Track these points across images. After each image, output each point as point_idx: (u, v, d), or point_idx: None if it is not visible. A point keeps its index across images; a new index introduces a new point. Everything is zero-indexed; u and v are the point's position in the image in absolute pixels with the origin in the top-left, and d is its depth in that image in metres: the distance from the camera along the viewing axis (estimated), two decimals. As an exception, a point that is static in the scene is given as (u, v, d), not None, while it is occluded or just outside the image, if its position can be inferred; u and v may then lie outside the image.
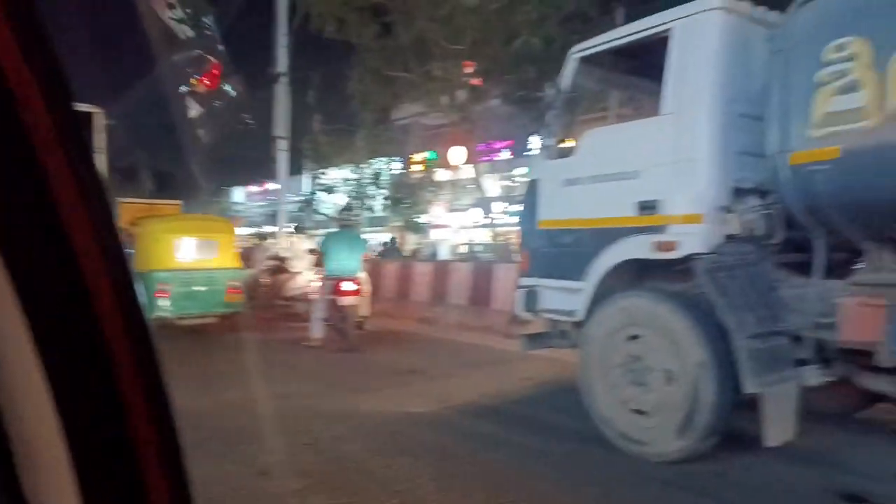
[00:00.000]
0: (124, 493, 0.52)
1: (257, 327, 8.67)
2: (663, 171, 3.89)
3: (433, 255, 22.87)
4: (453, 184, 24.73)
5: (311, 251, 9.64)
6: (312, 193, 23.41)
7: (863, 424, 4.47)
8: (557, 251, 4.64)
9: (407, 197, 24.80)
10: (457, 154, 24.62)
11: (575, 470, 3.60)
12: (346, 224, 8.19)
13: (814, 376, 3.68)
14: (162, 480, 0.52)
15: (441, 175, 24.92)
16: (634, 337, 3.86)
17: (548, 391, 5.50)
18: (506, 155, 25.43)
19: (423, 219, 24.62)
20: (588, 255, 4.32)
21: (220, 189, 36.09)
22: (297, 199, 23.40)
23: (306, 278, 9.32)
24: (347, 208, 9.97)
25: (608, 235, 4.22)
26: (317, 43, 14.13)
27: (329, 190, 22.46)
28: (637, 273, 4.28)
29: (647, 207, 3.99)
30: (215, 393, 4.87)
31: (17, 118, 0.48)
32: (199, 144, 12.93)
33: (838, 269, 3.74)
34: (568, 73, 4.64)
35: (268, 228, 26.56)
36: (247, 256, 10.79)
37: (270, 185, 36.46)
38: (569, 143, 4.78)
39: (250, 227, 27.95)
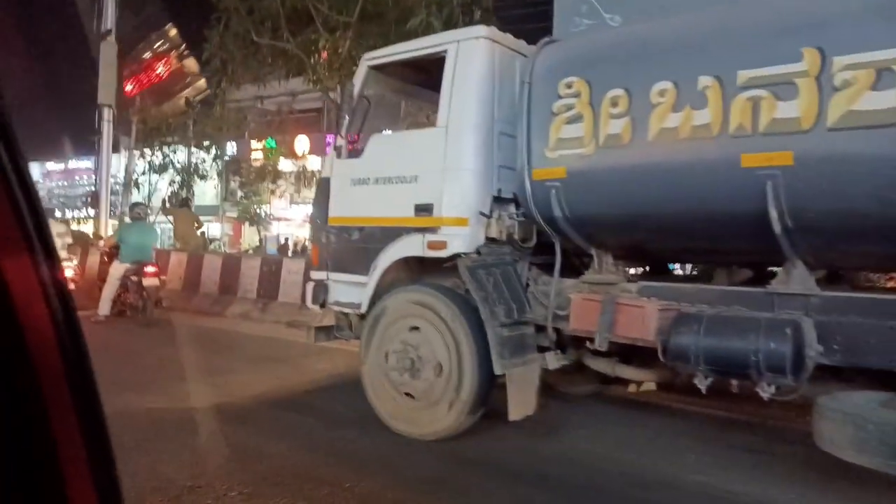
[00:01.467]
0: None
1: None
2: (437, 177, 4.31)
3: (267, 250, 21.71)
4: (299, 175, 23.41)
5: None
6: (143, 173, 21.21)
7: (596, 399, 5.35)
8: (345, 247, 4.89)
9: (245, 185, 23.38)
10: (301, 143, 23.96)
11: (356, 452, 3.89)
12: (139, 216, 9.46)
13: (553, 360, 4.33)
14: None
15: (284, 165, 23.61)
16: (414, 328, 4.24)
17: (330, 382, 5.77)
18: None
19: (263, 210, 23.49)
20: (372, 251, 4.63)
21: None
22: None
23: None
24: (138, 204, 10.44)
25: (390, 234, 4.56)
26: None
27: (163, 169, 20.48)
28: (418, 269, 4.68)
29: (422, 209, 4.39)
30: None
31: None
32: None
33: (577, 270, 4.46)
34: (359, 77, 4.90)
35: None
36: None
37: (75, 164, 32.42)
38: (359, 145, 5.05)
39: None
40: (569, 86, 3.70)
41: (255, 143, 24.61)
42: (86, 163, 30.79)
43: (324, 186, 5.16)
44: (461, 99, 4.25)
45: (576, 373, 5.05)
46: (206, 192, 26.93)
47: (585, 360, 4.45)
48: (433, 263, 4.53)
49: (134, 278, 8.57)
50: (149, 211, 11.00)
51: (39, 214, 0.51)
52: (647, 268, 5.06)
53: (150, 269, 8.60)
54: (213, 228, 26.13)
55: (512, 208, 4.43)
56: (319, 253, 5.13)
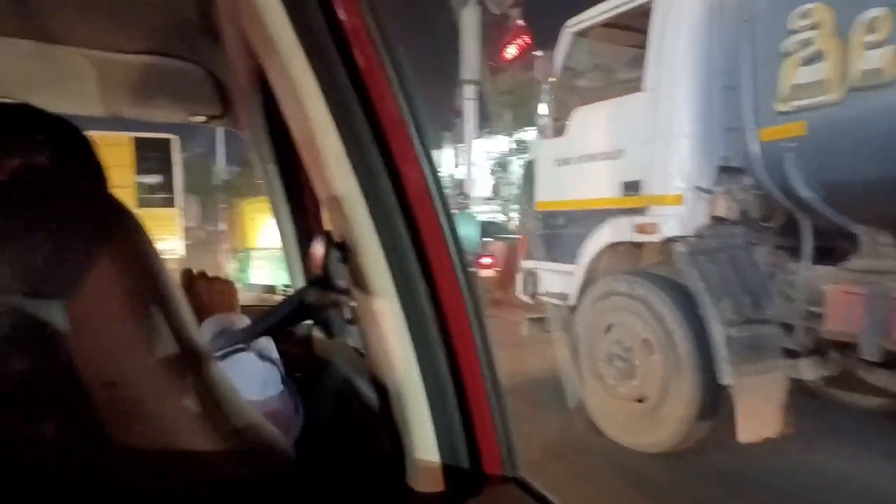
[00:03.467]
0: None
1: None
2: (645, 149, 3.71)
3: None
4: None
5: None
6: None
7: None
8: (551, 233, 4.55)
9: None
10: None
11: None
12: (461, 206, 9.17)
13: (809, 369, 3.43)
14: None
15: None
16: (625, 324, 3.74)
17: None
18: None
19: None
20: (579, 237, 4.22)
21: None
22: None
23: None
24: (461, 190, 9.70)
25: (595, 217, 4.09)
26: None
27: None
28: (636, 255, 4.12)
29: (630, 188, 3.83)
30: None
31: None
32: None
33: (840, 254, 3.44)
34: (562, 47, 4.48)
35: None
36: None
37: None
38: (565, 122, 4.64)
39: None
40: (804, 15, 2.80)
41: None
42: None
43: (530, 170, 4.88)
44: (672, 52, 3.57)
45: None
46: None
47: (859, 371, 3.42)
48: (651, 249, 3.94)
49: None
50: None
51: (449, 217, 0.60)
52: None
53: (484, 259, 8.05)
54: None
55: (746, 180, 3.59)
56: (527, 241, 4.87)
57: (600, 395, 3.86)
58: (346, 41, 0.55)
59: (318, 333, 1.19)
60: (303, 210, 1.33)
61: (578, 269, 4.20)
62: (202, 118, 1.41)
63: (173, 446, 0.47)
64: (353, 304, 0.67)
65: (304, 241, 1.32)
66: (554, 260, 4.53)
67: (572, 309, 4.35)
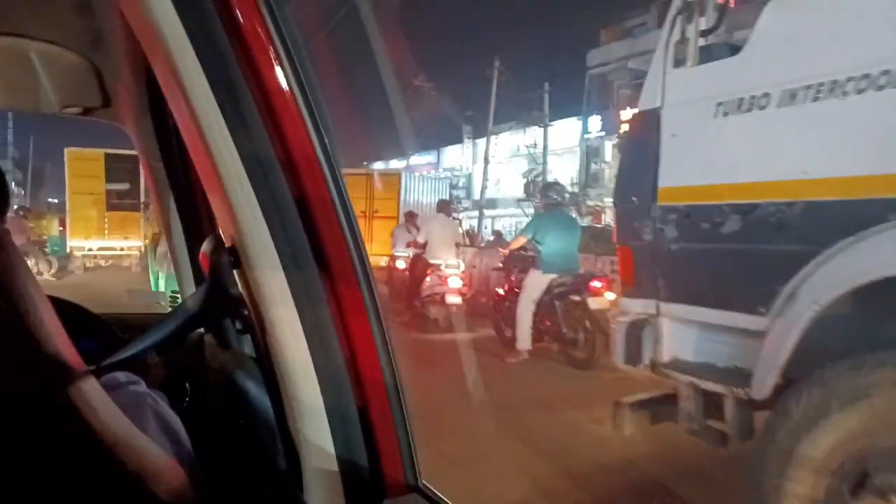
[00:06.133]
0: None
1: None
2: None
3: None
4: None
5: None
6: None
7: None
8: (705, 250, 2.32)
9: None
10: None
11: None
12: (557, 202, 5.91)
13: None
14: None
15: None
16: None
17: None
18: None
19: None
20: (786, 258, 2.00)
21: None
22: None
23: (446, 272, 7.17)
24: (552, 185, 7.13)
25: (841, 217, 1.89)
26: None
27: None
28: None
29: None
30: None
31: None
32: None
33: None
34: None
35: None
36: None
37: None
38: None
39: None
40: None
41: (626, 114, 20.73)
42: (427, 157, 30.16)
43: (641, 132, 2.64)
44: None
45: None
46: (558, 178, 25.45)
47: None
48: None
49: (574, 297, 5.40)
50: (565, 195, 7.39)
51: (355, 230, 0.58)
52: None
53: (595, 283, 5.44)
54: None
55: None
56: (637, 262, 2.60)
57: None
58: (241, 39, 0.53)
59: (211, 340, 1.09)
60: (192, 210, 1.19)
61: (789, 326, 1.97)
62: (77, 109, 1.27)
63: (46, 472, 0.45)
64: (246, 312, 0.64)
65: (193, 244, 1.22)
66: (706, 302, 2.29)
67: (757, 404, 2.12)
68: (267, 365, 0.62)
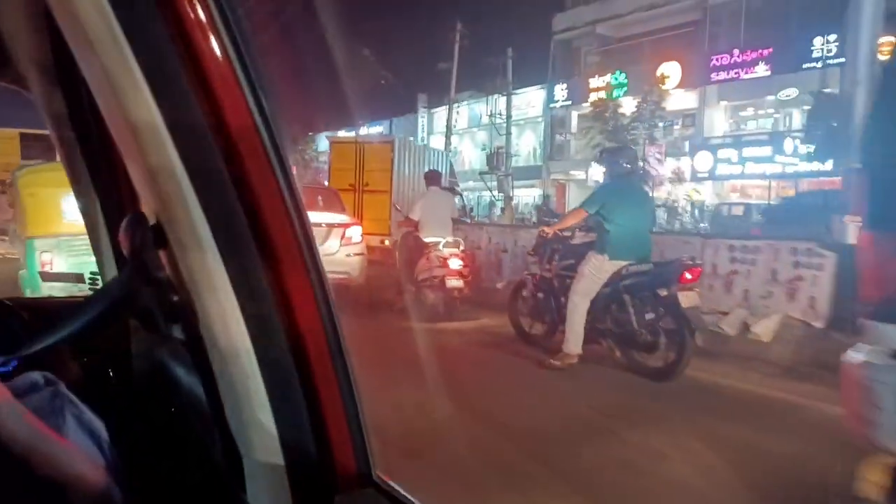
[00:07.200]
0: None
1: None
2: None
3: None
4: (653, 119, 18.22)
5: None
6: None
7: None
8: None
9: (587, 135, 18.44)
10: (671, 72, 17.84)
11: None
12: (628, 171, 4.79)
13: None
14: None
15: (629, 106, 18.47)
16: None
17: None
18: (761, 71, 18.04)
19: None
20: None
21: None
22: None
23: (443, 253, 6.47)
24: (618, 149, 5.97)
25: None
26: None
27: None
28: None
29: None
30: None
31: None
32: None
33: None
34: None
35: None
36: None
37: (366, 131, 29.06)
38: None
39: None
40: None
41: (595, 82, 19.42)
42: (377, 129, 29.16)
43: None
44: None
45: None
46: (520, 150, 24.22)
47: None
48: None
49: (659, 290, 4.30)
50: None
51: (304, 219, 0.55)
52: None
53: (687, 274, 4.23)
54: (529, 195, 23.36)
55: None
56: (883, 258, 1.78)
57: None
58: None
59: (135, 323, 0.94)
60: (111, 185, 1.09)
61: None
62: None
63: None
64: (175, 296, 0.59)
65: (113, 222, 1.10)
66: None
67: None
68: (200, 351, 0.58)
